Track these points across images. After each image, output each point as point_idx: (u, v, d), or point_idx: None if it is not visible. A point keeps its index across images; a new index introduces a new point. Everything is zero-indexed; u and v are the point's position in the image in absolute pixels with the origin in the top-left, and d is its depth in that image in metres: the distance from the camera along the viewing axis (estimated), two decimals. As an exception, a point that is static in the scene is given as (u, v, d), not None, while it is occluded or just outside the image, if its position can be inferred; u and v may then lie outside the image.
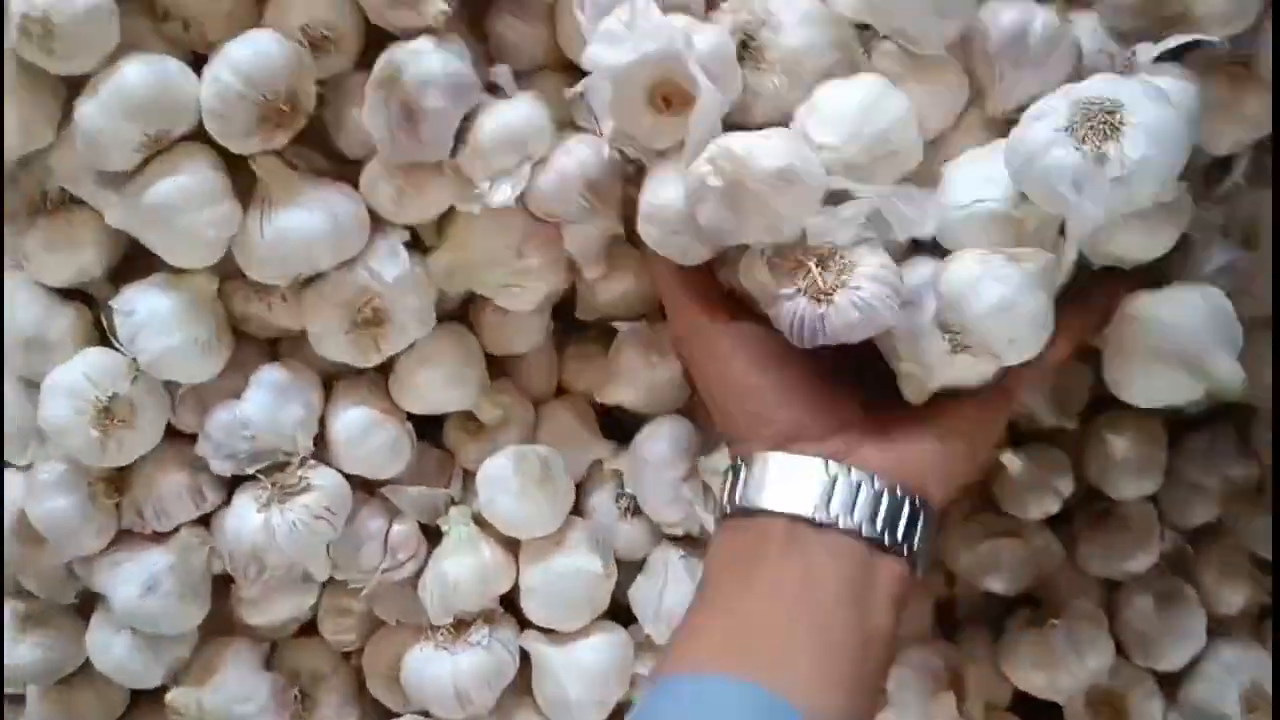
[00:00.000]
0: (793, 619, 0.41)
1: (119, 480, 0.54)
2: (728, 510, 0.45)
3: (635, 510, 0.56)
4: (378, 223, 0.51)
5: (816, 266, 0.41)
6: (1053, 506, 0.57)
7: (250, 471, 0.52)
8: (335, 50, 0.49)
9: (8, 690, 0.58)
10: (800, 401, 0.44)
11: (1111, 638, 0.57)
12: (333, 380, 0.55)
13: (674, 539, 0.56)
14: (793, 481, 0.43)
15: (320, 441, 0.53)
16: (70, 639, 0.57)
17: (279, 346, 0.55)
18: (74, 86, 0.48)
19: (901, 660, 0.56)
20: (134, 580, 0.53)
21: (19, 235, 0.52)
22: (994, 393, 0.44)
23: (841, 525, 0.42)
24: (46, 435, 0.51)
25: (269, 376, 0.53)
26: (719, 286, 0.47)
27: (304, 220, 0.48)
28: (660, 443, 0.54)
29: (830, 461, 0.43)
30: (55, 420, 0.50)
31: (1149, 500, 0.57)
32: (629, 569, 0.57)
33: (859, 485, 0.42)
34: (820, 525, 0.42)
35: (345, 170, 0.51)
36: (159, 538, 0.54)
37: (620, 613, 0.57)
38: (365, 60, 0.49)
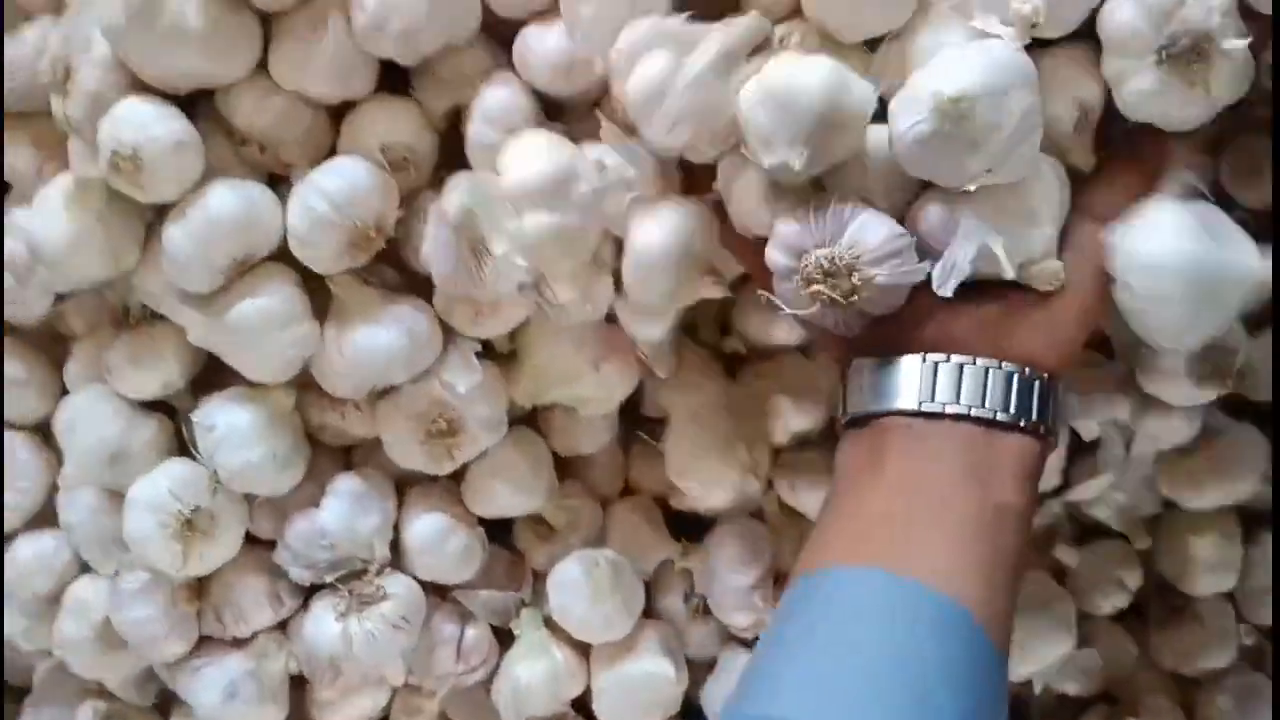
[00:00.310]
0: (911, 505, 0.41)
1: (199, 587, 0.55)
2: (843, 422, 0.45)
3: (705, 611, 0.56)
4: (449, 333, 0.52)
5: (825, 286, 0.41)
6: (1121, 602, 0.56)
7: (329, 580, 0.53)
8: (413, 170, 0.50)
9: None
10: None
11: (1190, 737, 0.57)
12: (406, 485, 0.56)
13: (744, 642, 0.56)
14: (895, 381, 0.42)
15: (394, 546, 0.54)
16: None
17: (353, 454, 0.56)
18: (160, 208, 0.50)
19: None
20: (215, 686, 0.54)
21: (102, 349, 0.54)
22: (1085, 244, 0.43)
23: (949, 412, 0.41)
24: (130, 546, 0.53)
25: (345, 486, 0.54)
26: None
27: (380, 337, 0.49)
28: (731, 548, 0.54)
29: (927, 355, 0.42)
30: (139, 534, 0.51)
31: (1225, 596, 0.57)
32: (698, 668, 0.57)
33: (961, 369, 0.42)
34: (931, 416, 0.42)
35: (416, 282, 0.52)
36: (238, 643, 0.55)
37: (692, 713, 0.57)
38: (435, 178, 0.51)
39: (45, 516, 0.57)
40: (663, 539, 0.57)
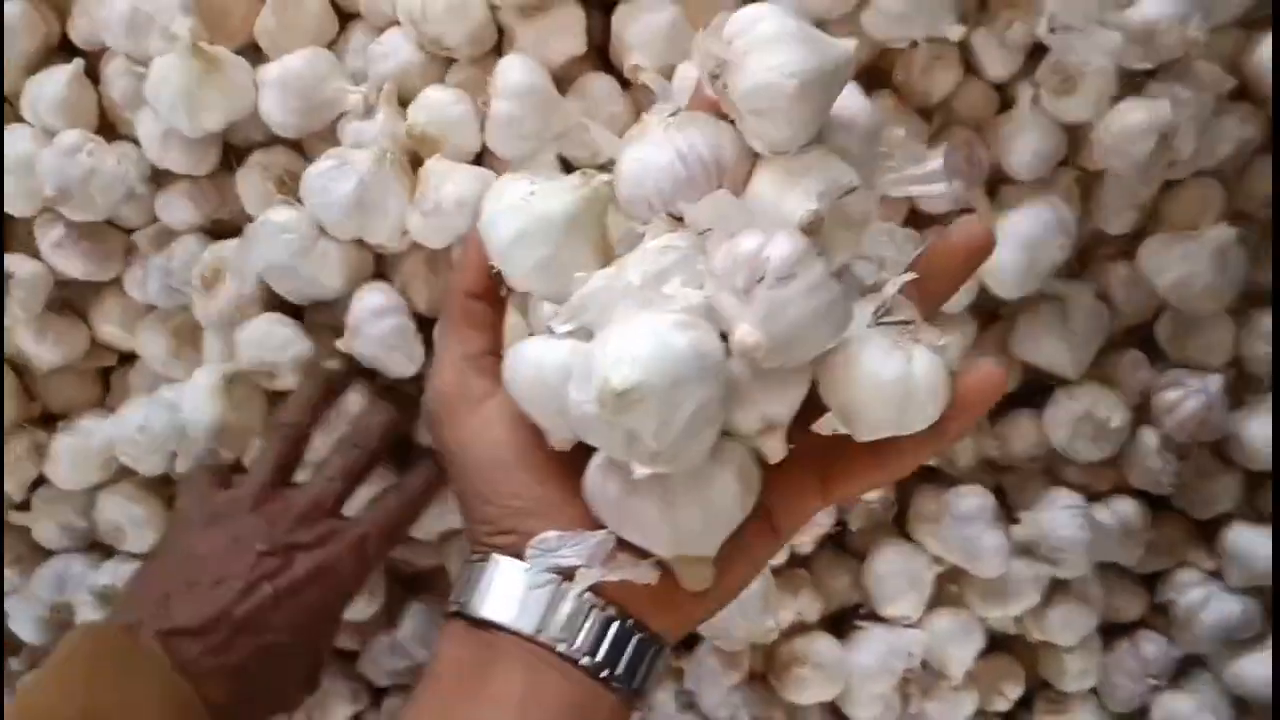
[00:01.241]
0: None
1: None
2: (455, 609, 0.43)
3: (691, 705, 0.71)
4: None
5: None
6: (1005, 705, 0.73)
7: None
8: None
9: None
10: (551, 512, 0.42)
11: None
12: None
13: (723, 731, 0.71)
14: (524, 596, 0.41)
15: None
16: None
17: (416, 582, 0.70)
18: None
19: None
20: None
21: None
22: (754, 531, 0.41)
23: (561, 650, 0.41)
24: None
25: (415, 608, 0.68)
26: (499, 340, 0.47)
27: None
28: (717, 656, 0.69)
29: (564, 582, 0.41)
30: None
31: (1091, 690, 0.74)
32: (688, 749, 0.72)
33: (588, 610, 0.41)
34: (544, 647, 0.41)
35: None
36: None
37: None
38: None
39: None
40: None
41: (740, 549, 0.41)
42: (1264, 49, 0.63)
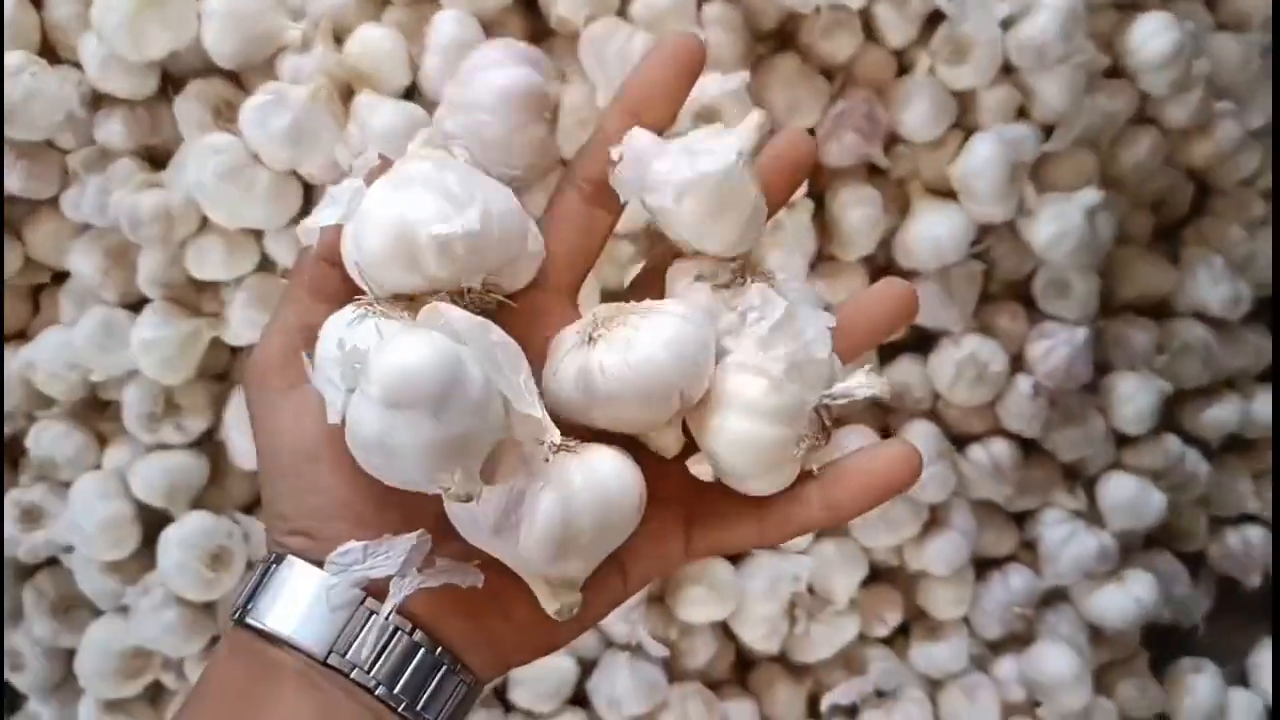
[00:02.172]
0: None
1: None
2: (238, 615, 0.36)
3: (594, 622, 0.76)
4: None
5: None
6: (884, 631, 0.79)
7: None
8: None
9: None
10: (357, 518, 0.35)
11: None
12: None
13: (622, 646, 0.75)
14: (317, 610, 0.35)
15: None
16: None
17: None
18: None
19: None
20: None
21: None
22: (598, 574, 0.36)
23: (355, 677, 0.35)
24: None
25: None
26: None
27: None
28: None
29: (369, 598, 0.35)
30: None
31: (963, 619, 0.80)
32: (586, 666, 0.76)
33: (392, 634, 0.35)
34: (334, 670, 0.35)
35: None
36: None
37: (581, 698, 0.76)
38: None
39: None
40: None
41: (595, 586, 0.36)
42: (1135, 28, 0.69)
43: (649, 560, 0.38)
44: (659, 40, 0.39)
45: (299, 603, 0.35)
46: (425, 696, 0.36)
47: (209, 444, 0.72)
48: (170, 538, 0.69)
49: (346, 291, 0.37)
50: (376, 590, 0.35)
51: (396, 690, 0.35)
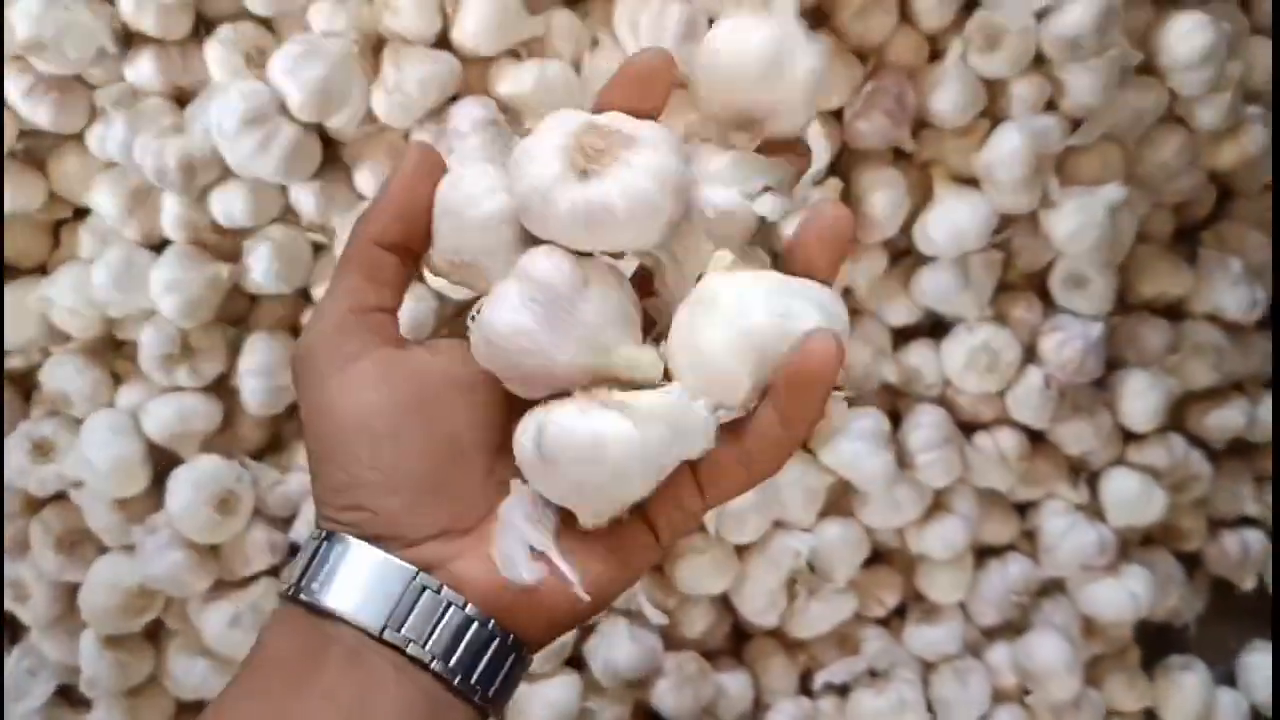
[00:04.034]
0: None
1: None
2: (292, 591, 0.37)
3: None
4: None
5: None
6: (882, 611, 0.79)
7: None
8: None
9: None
10: (413, 489, 0.36)
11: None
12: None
13: (621, 611, 0.76)
14: (372, 586, 0.35)
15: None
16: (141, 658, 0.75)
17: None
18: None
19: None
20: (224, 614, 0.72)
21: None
22: (632, 534, 0.38)
23: (411, 652, 0.35)
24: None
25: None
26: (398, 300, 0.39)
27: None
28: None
29: (422, 573, 0.36)
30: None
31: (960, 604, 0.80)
32: (584, 629, 0.77)
33: (445, 608, 0.35)
34: (388, 645, 0.35)
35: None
36: (243, 582, 0.73)
37: (577, 660, 0.77)
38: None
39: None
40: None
41: (619, 553, 0.37)
42: (1170, 26, 0.69)
43: (674, 515, 0.38)
44: (625, 61, 0.38)
45: (355, 579, 0.35)
46: (480, 670, 0.36)
47: (223, 389, 0.72)
48: (180, 479, 0.69)
49: (400, 277, 0.39)
50: (425, 565, 0.36)
51: (451, 664, 0.35)
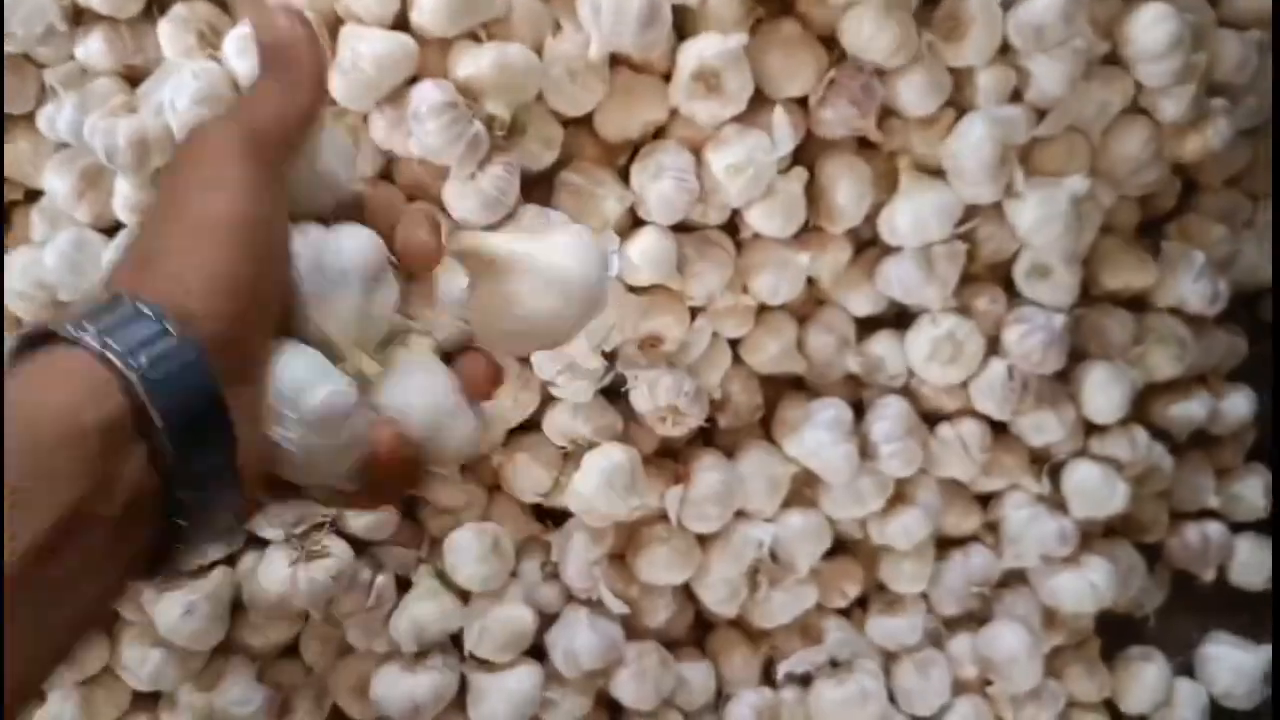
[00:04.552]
0: None
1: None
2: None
3: (555, 575, 0.76)
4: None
5: None
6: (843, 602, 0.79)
7: (293, 534, 0.69)
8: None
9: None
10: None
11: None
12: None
13: (582, 601, 0.76)
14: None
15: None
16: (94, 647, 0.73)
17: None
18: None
19: None
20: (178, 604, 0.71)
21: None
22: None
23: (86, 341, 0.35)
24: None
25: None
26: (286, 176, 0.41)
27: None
28: (583, 532, 0.74)
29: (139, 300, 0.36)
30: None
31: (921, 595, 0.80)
32: (545, 619, 0.76)
33: (136, 309, 0.36)
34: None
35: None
36: (198, 572, 0.71)
37: (538, 651, 0.76)
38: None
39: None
40: (530, 520, 0.76)
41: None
42: (1136, 16, 0.69)
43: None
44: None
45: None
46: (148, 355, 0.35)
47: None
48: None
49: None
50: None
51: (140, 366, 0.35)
